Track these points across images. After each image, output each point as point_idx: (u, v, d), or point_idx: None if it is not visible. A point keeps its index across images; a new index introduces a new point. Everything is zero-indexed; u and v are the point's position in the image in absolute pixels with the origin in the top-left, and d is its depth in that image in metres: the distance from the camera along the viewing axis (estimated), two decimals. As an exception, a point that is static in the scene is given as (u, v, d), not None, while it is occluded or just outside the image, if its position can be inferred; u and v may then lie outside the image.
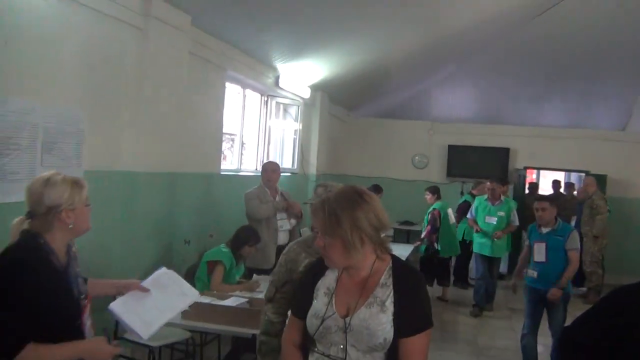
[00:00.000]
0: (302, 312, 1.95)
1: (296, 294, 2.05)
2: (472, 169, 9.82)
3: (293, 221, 5.21)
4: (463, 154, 10.29)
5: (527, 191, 10.24)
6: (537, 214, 4.76)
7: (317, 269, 2.00)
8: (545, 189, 10.95)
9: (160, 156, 4.49)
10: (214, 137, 5.78)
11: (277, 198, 5.16)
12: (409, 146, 10.71)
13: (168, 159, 4.62)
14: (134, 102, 4.26)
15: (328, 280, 1.95)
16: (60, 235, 2.04)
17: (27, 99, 3.35)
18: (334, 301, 1.88)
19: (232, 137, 6.78)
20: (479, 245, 7.07)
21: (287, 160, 8.10)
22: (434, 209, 7.48)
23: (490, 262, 7.05)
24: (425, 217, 7.60)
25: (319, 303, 1.90)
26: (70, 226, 2.04)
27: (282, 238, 5.09)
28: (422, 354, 1.83)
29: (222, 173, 6.02)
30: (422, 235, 7.43)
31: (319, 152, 8.82)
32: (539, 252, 4.71)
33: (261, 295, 3.51)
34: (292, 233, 5.19)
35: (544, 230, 4.75)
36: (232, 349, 4.27)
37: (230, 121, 6.46)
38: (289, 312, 2.13)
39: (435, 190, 7.77)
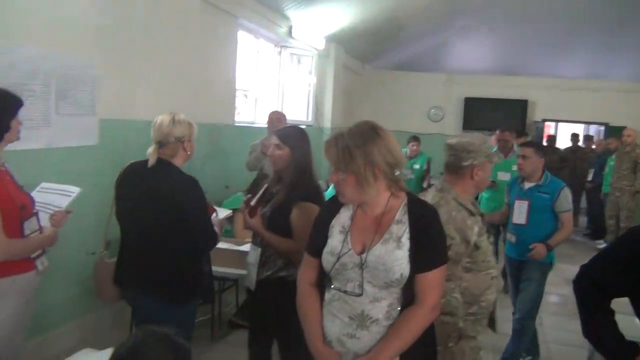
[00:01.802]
0: (316, 250, 1.95)
1: (311, 232, 2.05)
2: (489, 121, 9.68)
3: None
4: (480, 107, 10.15)
5: (545, 144, 10.12)
6: (517, 161, 3.91)
7: (332, 208, 1.99)
8: (564, 141, 10.81)
9: (173, 106, 4.43)
10: (228, 86, 5.74)
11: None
12: (424, 99, 10.58)
13: (182, 108, 4.57)
14: (146, 50, 4.22)
15: (342, 218, 1.94)
16: (180, 161, 2.63)
17: (40, 46, 3.33)
18: (349, 238, 1.88)
19: (246, 92, 6.73)
20: (490, 209, 5.60)
21: (301, 113, 8.05)
22: None
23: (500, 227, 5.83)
24: None
25: (334, 240, 1.90)
26: (188, 153, 2.64)
27: None
28: (438, 289, 1.84)
29: (236, 125, 6.00)
30: None
31: (334, 105, 8.74)
32: (519, 212, 3.81)
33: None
34: None
35: (527, 185, 3.83)
36: (248, 296, 4.35)
37: (243, 72, 6.40)
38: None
39: None
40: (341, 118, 9.11)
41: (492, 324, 2.39)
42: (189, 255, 2.60)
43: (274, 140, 2.74)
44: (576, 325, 1.95)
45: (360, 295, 1.82)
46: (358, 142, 1.79)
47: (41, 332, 3.54)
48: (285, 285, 2.48)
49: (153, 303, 2.56)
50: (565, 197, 3.73)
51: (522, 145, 4.05)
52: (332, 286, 1.90)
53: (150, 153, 2.59)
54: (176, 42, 4.44)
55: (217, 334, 4.21)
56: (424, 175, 7.59)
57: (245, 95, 6.71)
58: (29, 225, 2.35)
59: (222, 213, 3.08)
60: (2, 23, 3.09)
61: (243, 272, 3.48)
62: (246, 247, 3.66)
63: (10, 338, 2.31)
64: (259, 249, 2.68)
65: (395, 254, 1.79)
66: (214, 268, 3.47)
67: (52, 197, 2.56)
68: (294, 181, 2.63)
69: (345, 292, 1.85)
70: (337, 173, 1.84)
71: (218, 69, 5.45)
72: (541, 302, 3.81)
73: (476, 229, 2.33)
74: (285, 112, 6.80)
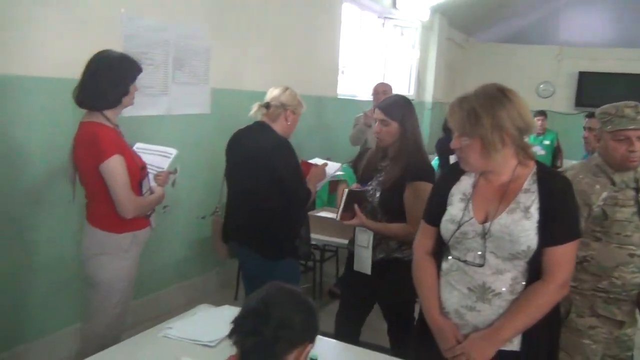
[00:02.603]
0: (434, 218, 1.88)
1: (428, 200, 1.98)
2: (606, 98, 8.72)
3: None
4: (596, 82, 9.41)
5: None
6: (583, 135, 3.54)
7: (451, 175, 1.90)
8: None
9: (279, 77, 4.50)
10: (332, 59, 5.72)
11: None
12: (533, 73, 9.97)
13: (287, 80, 4.60)
14: (255, 23, 4.28)
15: (463, 185, 1.84)
16: (279, 127, 2.77)
17: (159, 17, 3.47)
18: (470, 206, 1.78)
19: (344, 67, 6.65)
20: None
21: (403, 86, 7.89)
22: None
23: None
24: None
25: (455, 209, 1.81)
26: (289, 123, 2.79)
27: None
28: (569, 264, 1.71)
29: (339, 97, 5.99)
30: None
31: (436, 79, 8.48)
32: None
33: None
34: None
35: None
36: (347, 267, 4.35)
37: (347, 44, 6.34)
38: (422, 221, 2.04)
39: None
40: (443, 92, 8.83)
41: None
42: (284, 213, 2.71)
43: (378, 114, 2.53)
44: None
45: (481, 265, 1.73)
46: (485, 105, 1.68)
47: (153, 290, 3.76)
48: (401, 265, 2.37)
49: (253, 257, 2.75)
50: None
51: (587, 116, 3.58)
52: (451, 256, 1.83)
53: (255, 105, 2.79)
54: (283, 14, 4.48)
55: (318, 303, 4.27)
56: (555, 153, 7.20)
57: (342, 72, 6.63)
58: (144, 185, 2.47)
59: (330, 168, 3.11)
60: (124, -6, 3.25)
61: (344, 241, 3.48)
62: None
63: (129, 289, 2.48)
64: (370, 231, 2.54)
65: (522, 224, 1.68)
66: (316, 236, 3.53)
67: (152, 157, 2.62)
68: (408, 159, 2.47)
69: (465, 261, 1.77)
70: (460, 138, 1.74)
71: (323, 41, 5.44)
72: None
73: (604, 194, 2.19)
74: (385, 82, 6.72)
